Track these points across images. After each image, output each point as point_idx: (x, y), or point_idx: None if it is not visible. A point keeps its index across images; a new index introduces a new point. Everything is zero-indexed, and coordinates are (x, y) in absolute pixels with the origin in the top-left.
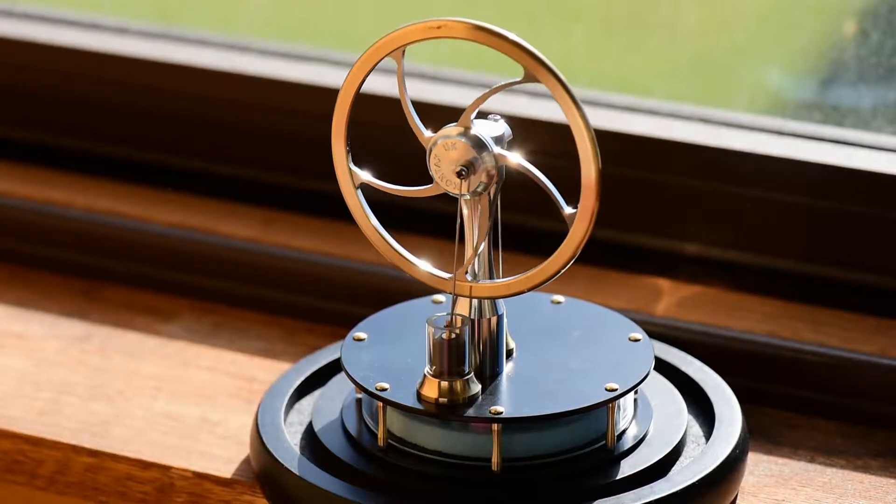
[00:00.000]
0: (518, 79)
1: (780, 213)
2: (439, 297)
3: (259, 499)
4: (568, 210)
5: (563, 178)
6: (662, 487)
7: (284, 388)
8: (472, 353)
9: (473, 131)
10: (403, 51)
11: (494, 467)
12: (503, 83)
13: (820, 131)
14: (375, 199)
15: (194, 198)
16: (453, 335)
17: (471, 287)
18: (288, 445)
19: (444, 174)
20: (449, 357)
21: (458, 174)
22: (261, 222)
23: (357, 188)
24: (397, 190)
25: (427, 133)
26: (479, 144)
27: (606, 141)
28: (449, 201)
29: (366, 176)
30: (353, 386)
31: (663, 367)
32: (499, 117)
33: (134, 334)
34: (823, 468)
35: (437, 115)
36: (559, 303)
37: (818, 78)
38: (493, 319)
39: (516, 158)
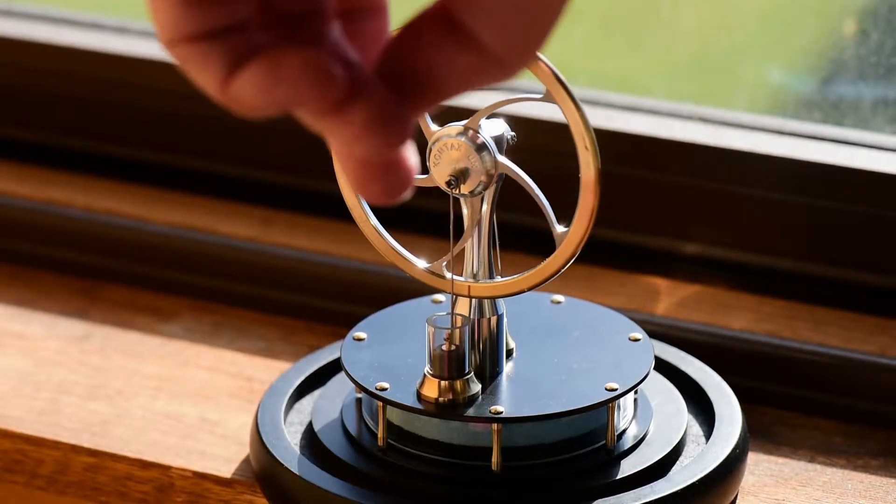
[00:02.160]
0: (538, 95)
1: (780, 213)
2: (439, 297)
3: (259, 499)
4: (559, 229)
5: (563, 177)
6: (662, 487)
7: (284, 388)
8: (472, 353)
9: (474, 132)
10: None
11: (494, 467)
12: (522, 96)
13: (820, 131)
14: None
15: (194, 198)
16: (453, 347)
17: (469, 287)
18: (288, 445)
19: (443, 172)
20: (449, 367)
21: (448, 184)
22: (261, 222)
23: None
24: None
25: (433, 127)
26: (480, 146)
27: (606, 141)
28: (449, 200)
29: None
30: (352, 385)
31: (663, 367)
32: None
33: (134, 334)
34: (823, 468)
35: (440, 115)
36: (559, 302)
37: (818, 77)
38: (493, 319)
39: (514, 169)
